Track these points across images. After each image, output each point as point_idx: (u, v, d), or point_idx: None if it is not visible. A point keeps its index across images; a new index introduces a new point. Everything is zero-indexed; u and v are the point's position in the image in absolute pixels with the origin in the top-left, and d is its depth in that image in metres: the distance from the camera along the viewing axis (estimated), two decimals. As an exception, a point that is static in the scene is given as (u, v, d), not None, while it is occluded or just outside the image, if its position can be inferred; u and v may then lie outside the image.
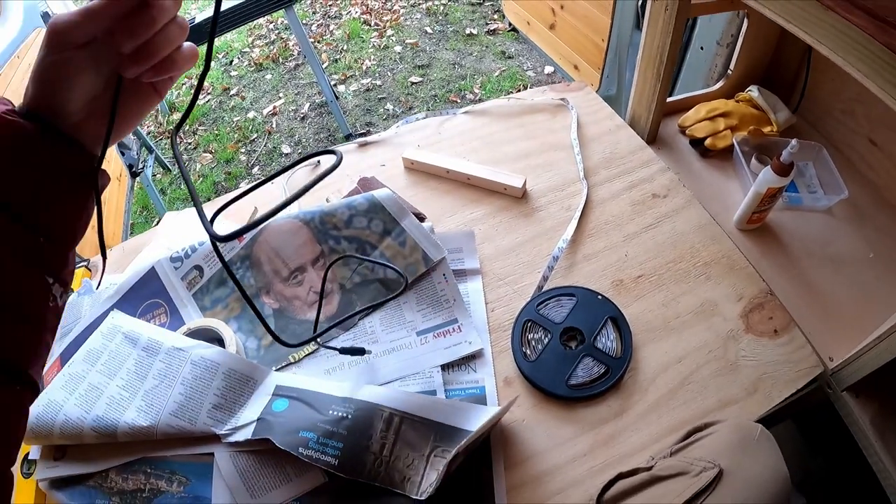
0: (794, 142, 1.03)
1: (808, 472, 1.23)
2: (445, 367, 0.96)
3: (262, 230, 1.06)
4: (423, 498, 0.77)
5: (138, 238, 1.25)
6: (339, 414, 0.83)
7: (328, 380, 0.93)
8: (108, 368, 0.90)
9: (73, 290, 1.08)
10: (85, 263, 1.21)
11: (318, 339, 0.95)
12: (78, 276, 1.14)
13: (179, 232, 1.17)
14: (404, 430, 0.83)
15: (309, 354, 0.99)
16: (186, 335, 0.95)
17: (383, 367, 0.96)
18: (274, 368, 0.95)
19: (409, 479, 0.80)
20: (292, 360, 0.98)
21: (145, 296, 1.04)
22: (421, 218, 1.17)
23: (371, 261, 1.03)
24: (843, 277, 1.11)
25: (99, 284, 1.05)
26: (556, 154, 1.30)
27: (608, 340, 0.97)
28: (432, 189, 1.27)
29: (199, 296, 1.04)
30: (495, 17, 4.02)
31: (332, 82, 3.65)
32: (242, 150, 3.40)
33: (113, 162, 2.54)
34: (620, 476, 0.80)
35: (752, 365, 0.95)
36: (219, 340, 0.95)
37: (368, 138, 1.41)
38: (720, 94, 1.46)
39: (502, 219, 1.19)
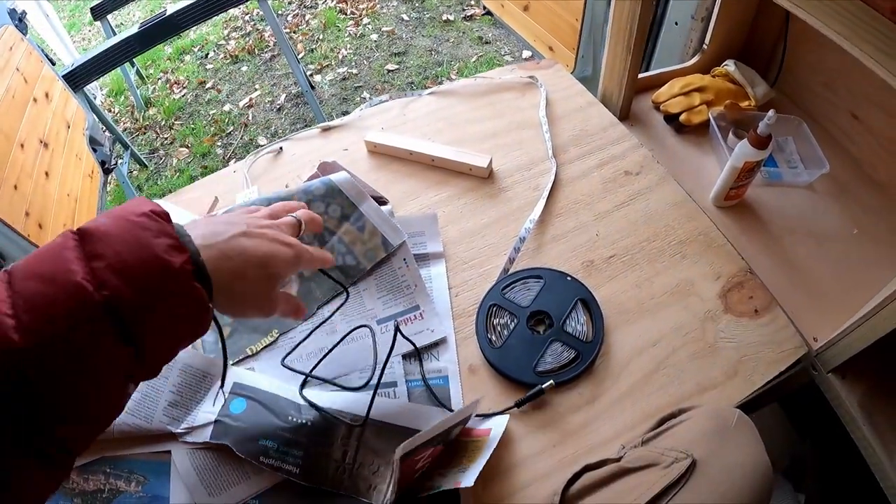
0: (770, 112, 0.97)
1: (795, 457, 1.18)
2: (406, 357, 0.90)
3: None
4: None
5: None
6: (299, 421, 0.81)
7: (286, 377, 0.88)
8: None
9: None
10: None
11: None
12: None
13: None
14: (367, 437, 0.79)
15: (267, 346, 0.93)
16: None
17: (342, 356, 0.90)
18: (231, 362, 0.90)
19: (376, 486, 0.77)
20: (250, 353, 0.92)
21: None
22: (382, 202, 1.12)
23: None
24: (826, 254, 1.07)
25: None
26: (525, 133, 1.24)
27: (578, 324, 0.91)
28: (395, 172, 1.21)
29: None
30: (472, 2, 3.97)
31: (309, 72, 3.61)
32: (219, 144, 3.35)
33: (84, 159, 2.49)
34: (587, 468, 0.74)
35: (731, 347, 0.90)
36: None
37: (331, 122, 1.35)
38: (695, 70, 1.41)
39: (467, 200, 1.13)
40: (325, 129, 1.34)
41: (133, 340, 0.46)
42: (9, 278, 0.45)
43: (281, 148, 1.30)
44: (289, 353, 0.90)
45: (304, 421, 0.81)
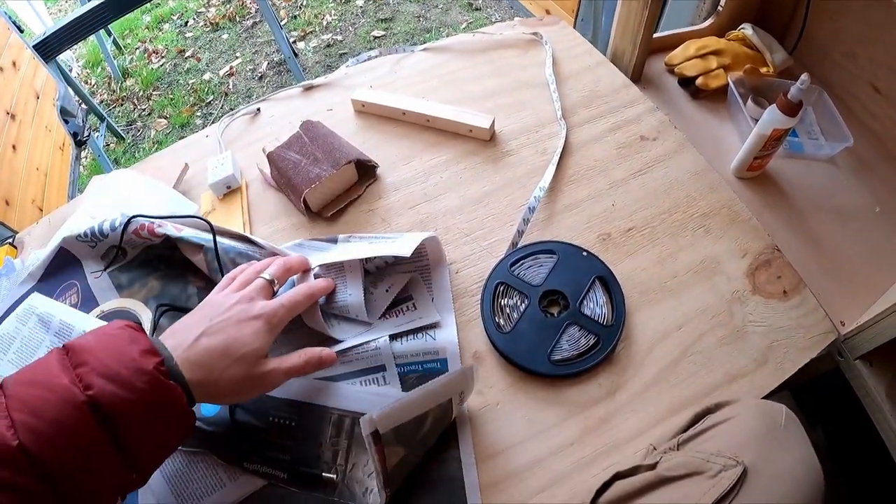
0: (804, 76, 0.89)
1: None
2: (396, 337, 0.80)
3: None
4: None
5: (63, 208, 1.09)
6: (282, 421, 0.74)
7: None
8: (19, 357, 0.79)
9: None
10: (10, 239, 1.06)
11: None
12: (1, 253, 1.01)
13: (107, 198, 1.01)
14: (358, 433, 0.71)
15: None
16: (100, 318, 0.81)
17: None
18: None
19: (371, 489, 0.69)
20: None
21: (62, 278, 0.90)
22: (373, 166, 1.02)
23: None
24: (850, 233, 1.01)
25: None
26: (529, 92, 1.14)
27: (596, 305, 0.82)
28: (386, 134, 1.10)
29: (116, 273, 0.88)
30: (461, -34, 3.86)
31: (292, 39, 3.53)
32: (198, 114, 3.29)
33: (55, 130, 2.40)
34: (618, 476, 0.65)
35: (760, 331, 0.81)
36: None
37: (314, 81, 1.23)
38: (710, 33, 1.32)
39: (467, 165, 1.03)
40: (308, 88, 1.23)
41: (120, 442, 0.49)
42: (1, 386, 0.50)
43: (258, 109, 1.19)
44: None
45: (287, 421, 0.73)
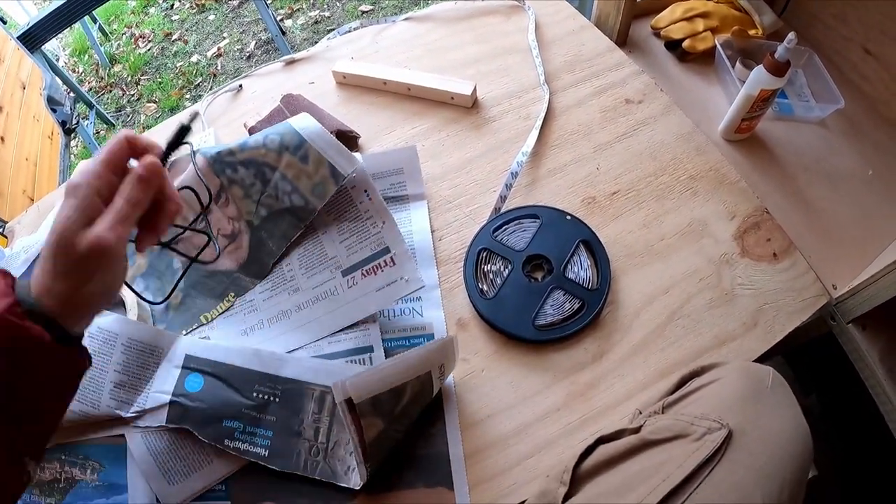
0: (791, 35, 0.87)
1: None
2: (382, 312, 0.78)
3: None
4: (356, 488, 0.66)
5: (52, 195, 1.08)
6: (265, 397, 0.72)
7: (246, 343, 0.77)
8: None
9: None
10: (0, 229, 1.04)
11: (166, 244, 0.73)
12: None
13: None
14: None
15: (223, 313, 0.81)
16: None
17: (310, 320, 0.78)
18: (184, 332, 0.79)
19: (353, 468, 0.68)
20: (204, 322, 0.80)
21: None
22: (354, 136, 1.00)
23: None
24: (842, 196, 0.99)
25: None
26: (512, 58, 1.11)
27: (581, 269, 0.80)
28: (368, 104, 1.07)
29: None
30: (449, -63, 3.79)
31: (279, 17, 3.46)
32: (188, 97, 3.24)
33: (43, 120, 2.37)
34: (601, 441, 0.63)
35: (749, 294, 0.80)
36: (119, 304, 0.78)
37: (295, 55, 1.21)
38: (696, -5, 1.28)
39: (450, 132, 1.00)
40: (290, 63, 1.20)
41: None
42: None
43: (241, 86, 1.16)
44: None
45: (269, 396, 0.72)
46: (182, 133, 0.64)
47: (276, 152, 0.80)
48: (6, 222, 1.09)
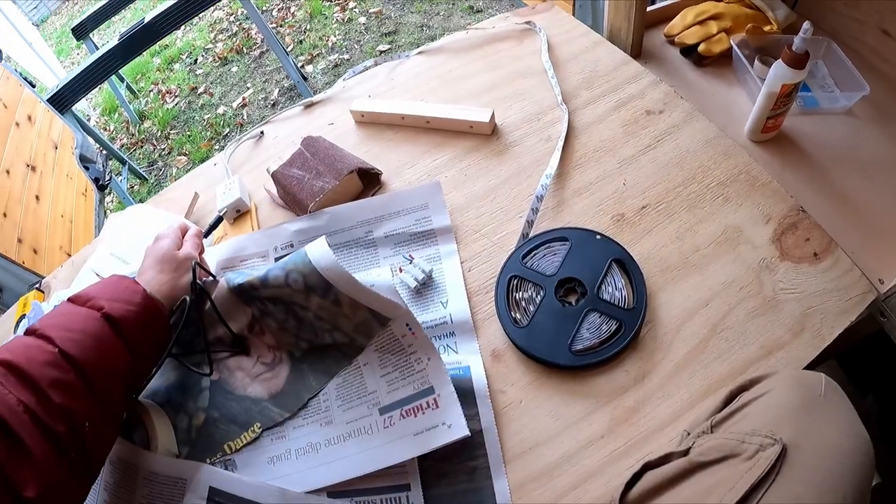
0: (806, 24, 0.86)
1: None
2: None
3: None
4: None
5: (85, 249, 1.10)
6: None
7: (271, 474, 0.74)
8: None
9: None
10: (37, 284, 1.08)
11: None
12: (29, 298, 1.04)
13: (125, 235, 1.04)
14: None
15: (249, 443, 0.77)
16: None
17: (339, 458, 0.73)
18: (208, 460, 0.76)
19: None
20: (228, 451, 0.76)
21: None
22: (376, 173, 1.01)
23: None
24: (878, 185, 0.96)
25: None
26: (527, 81, 1.11)
27: (616, 289, 0.79)
28: (387, 141, 1.09)
29: None
30: (459, -29, 3.85)
31: (299, 63, 3.54)
32: (216, 147, 3.32)
33: (76, 178, 2.47)
34: (648, 466, 0.61)
35: (793, 298, 0.77)
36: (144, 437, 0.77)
37: (314, 98, 1.24)
38: (707, -2, 1.27)
39: (471, 161, 1.00)
40: (308, 106, 1.23)
41: (129, 343, 0.67)
42: (32, 330, 0.65)
43: (262, 132, 1.19)
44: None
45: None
46: (217, 221, 0.96)
47: (302, 293, 0.76)
48: (43, 277, 1.12)
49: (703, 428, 0.62)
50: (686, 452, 0.59)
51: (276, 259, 0.92)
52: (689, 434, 0.64)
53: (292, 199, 0.96)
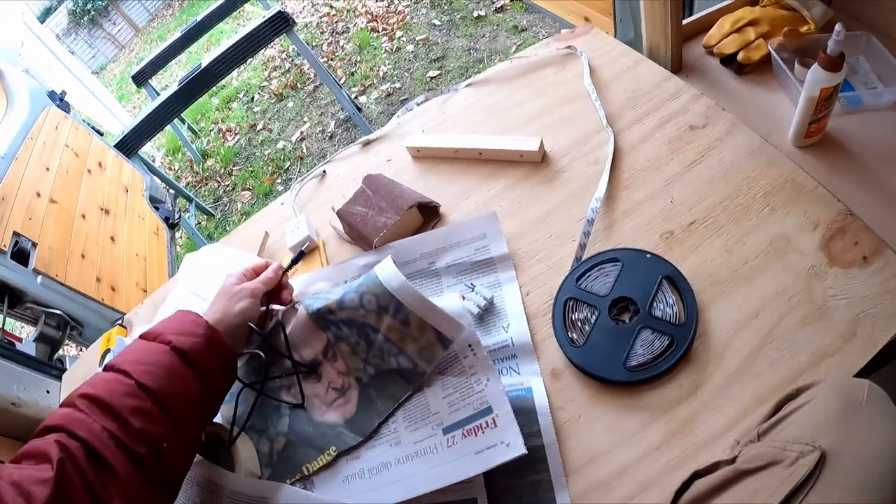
0: (837, 27, 0.87)
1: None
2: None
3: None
4: None
5: (163, 287, 1.21)
6: None
7: (347, 493, 0.80)
8: None
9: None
10: (119, 320, 1.18)
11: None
12: (113, 333, 1.14)
13: (200, 273, 1.13)
14: None
15: (327, 466, 0.82)
16: None
17: (408, 476, 0.77)
18: (288, 481, 0.82)
19: None
20: (306, 473, 0.82)
21: None
22: (435, 206, 1.07)
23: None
24: None
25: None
26: (572, 106, 1.15)
27: (667, 306, 0.83)
28: (443, 174, 1.15)
29: None
30: (499, -7, 3.89)
31: (353, 95, 3.66)
32: (279, 181, 3.47)
33: (147, 218, 2.63)
34: (697, 475, 0.65)
35: (844, 304, 0.79)
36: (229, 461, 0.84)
37: (370, 136, 1.31)
38: (742, 4, 1.28)
39: (523, 189, 1.06)
40: (366, 144, 1.30)
41: (198, 370, 0.74)
42: (110, 366, 0.73)
43: (324, 171, 1.27)
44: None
45: None
46: (299, 257, 0.99)
47: (375, 314, 0.83)
48: (125, 314, 1.22)
49: (750, 437, 0.65)
50: (733, 461, 0.62)
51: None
52: (738, 443, 0.67)
53: (358, 234, 1.04)
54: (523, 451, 0.72)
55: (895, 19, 1.13)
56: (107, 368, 0.72)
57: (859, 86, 1.10)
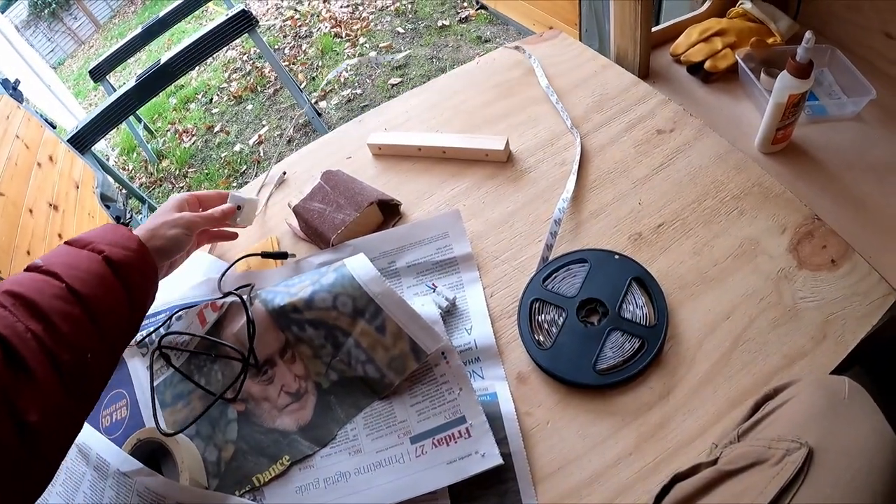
0: (808, 34, 0.88)
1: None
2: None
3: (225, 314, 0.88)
4: None
5: None
6: None
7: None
8: (66, 490, 0.78)
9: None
10: None
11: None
12: None
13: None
14: None
15: (278, 476, 0.77)
16: (135, 446, 0.79)
17: (370, 487, 0.73)
18: (237, 492, 0.76)
19: None
20: (256, 484, 0.76)
21: (112, 384, 0.90)
22: (396, 204, 1.03)
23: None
24: (891, 187, 0.98)
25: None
26: (539, 108, 1.14)
27: (636, 307, 0.80)
28: (405, 172, 1.11)
29: (161, 388, 0.88)
30: (465, 4, 3.93)
31: (313, 100, 3.62)
32: (234, 185, 3.40)
33: (97, 216, 2.54)
34: (677, 478, 0.62)
35: (814, 306, 0.78)
36: (172, 466, 0.78)
37: (331, 133, 1.26)
38: (710, 15, 1.30)
39: (488, 189, 1.03)
40: (326, 141, 1.26)
41: (128, 285, 0.69)
42: (36, 266, 0.67)
43: (284, 173, 1.22)
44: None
45: None
46: (284, 255, 0.98)
47: (348, 317, 0.79)
48: None
49: (730, 438, 0.62)
50: (714, 462, 0.60)
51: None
52: (716, 446, 0.64)
53: (314, 232, 0.99)
54: (500, 461, 0.69)
55: (858, 34, 1.16)
56: (31, 268, 0.66)
57: (824, 96, 1.11)
